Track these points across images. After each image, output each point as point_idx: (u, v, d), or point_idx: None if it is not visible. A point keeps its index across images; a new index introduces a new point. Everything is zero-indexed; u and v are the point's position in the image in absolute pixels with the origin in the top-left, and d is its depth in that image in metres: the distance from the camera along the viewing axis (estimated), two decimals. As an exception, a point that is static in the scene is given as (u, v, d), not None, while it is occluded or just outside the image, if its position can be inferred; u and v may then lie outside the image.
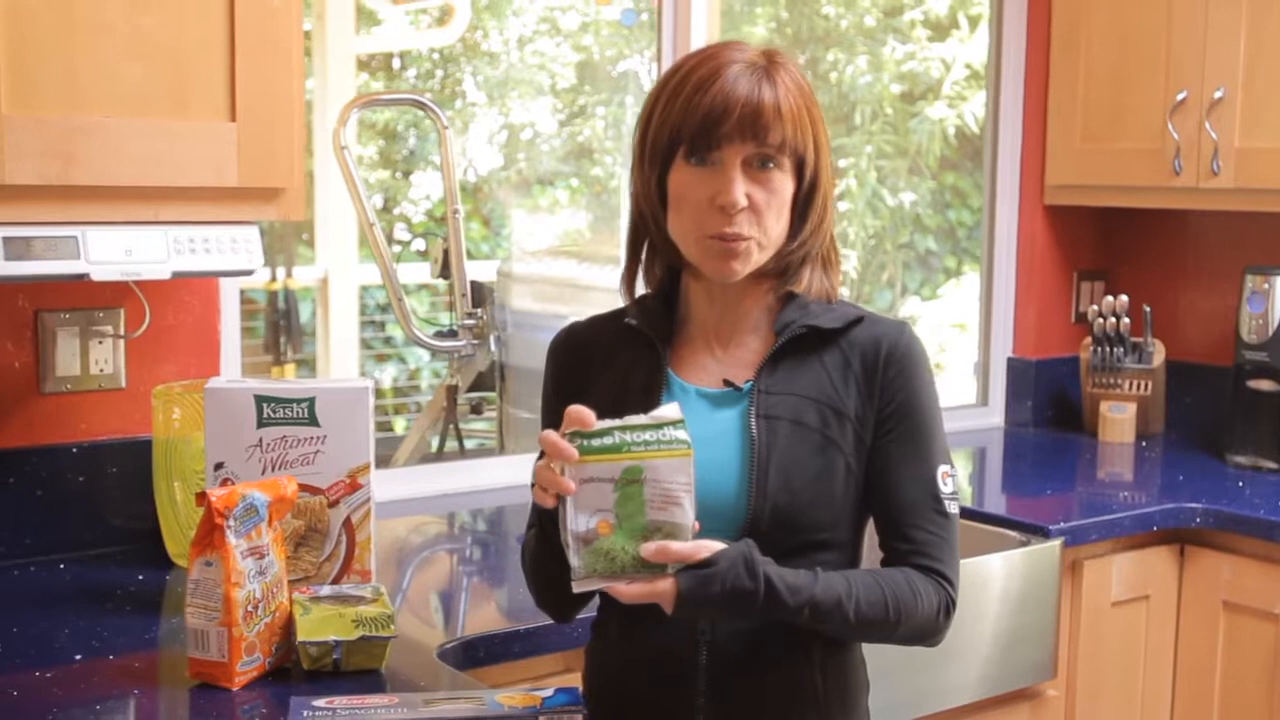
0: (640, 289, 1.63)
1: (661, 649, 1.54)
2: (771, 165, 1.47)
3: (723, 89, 1.45)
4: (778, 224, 1.50)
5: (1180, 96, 3.01)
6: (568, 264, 6.13)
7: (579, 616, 1.64)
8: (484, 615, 2.08)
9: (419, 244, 6.43)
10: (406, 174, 7.29)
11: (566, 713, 1.51)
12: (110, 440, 2.23)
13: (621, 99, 6.23)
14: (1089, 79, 3.23)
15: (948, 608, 1.53)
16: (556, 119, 6.99)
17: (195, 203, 1.94)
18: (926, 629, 1.52)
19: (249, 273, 2.02)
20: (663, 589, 1.39)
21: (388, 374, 7.08)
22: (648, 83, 5.01)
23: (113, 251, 1.89)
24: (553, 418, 1.62)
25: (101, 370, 2.22)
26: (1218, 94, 2.94)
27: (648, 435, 1.38)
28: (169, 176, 1.90)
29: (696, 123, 1.46)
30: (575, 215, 6.61)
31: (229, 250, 1.98)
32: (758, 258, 1.50)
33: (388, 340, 6.85)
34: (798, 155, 1.49)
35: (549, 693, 1.55)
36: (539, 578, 1.60)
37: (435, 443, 3.37)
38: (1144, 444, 3.25)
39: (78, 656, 1.76)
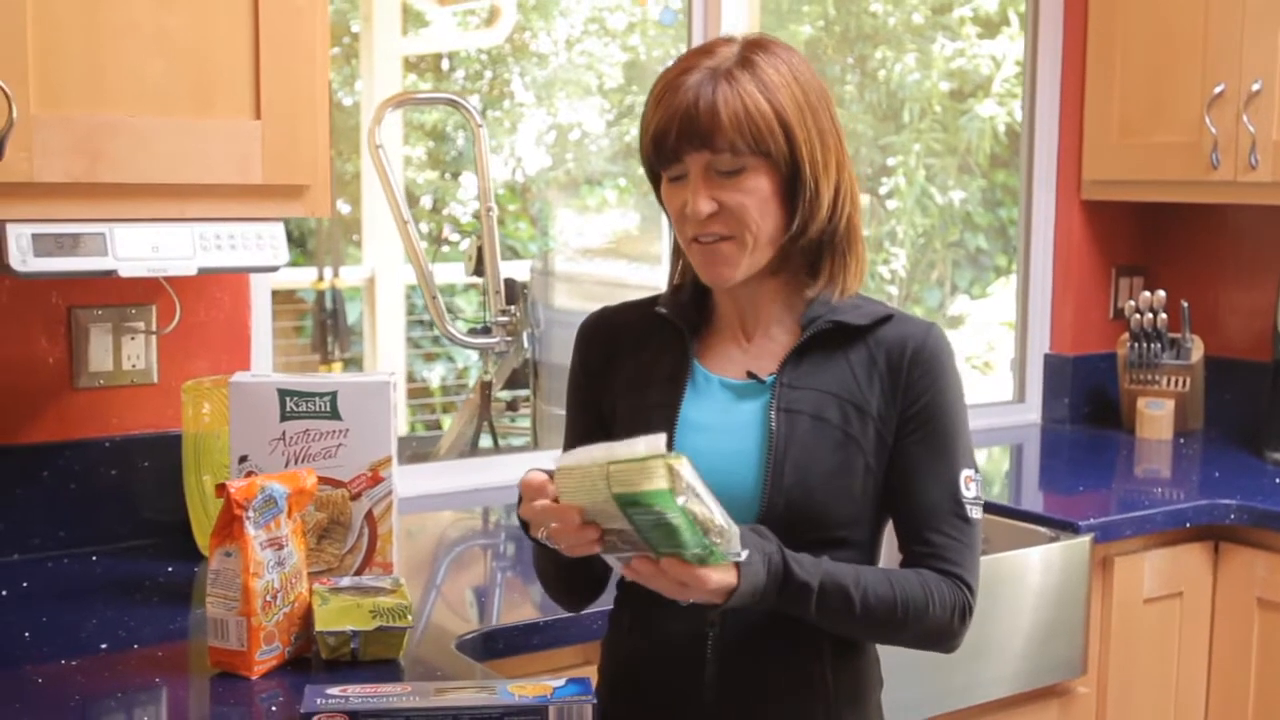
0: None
1: (670, 639, 1.55)
2: (737, 169, 1.47)
3: (671, 102, 1.46)
4: (764, 220, 1.49)
5: (1218, 89, 2.98)
6: (615, 263, 6.15)
7: (590, 609, 1.66)
8: (511, 608, 2.09)
9: (466, 244, 6.47)
10: (455, 175, 7.34)
11: (576, 702, 1.52)
12: (142, 435, 2.27)
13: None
14: (1125, 73, 3.20)
15: (964, 613, 1.51)
16: (604, 119, 7.01)
17: (221, 200, 1.97)
18: (940, 632, 1.51)
19: (274, 269, 2.04)
20: (729, 581, 1.37)
21: (436, 373, 7.14)
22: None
23: (140, 248, 1.92)
24: (580, 399, 1.65)
25: (134, 366, 2.25)
26: (1255, 86, 2.91)
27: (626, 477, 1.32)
28: (194, 174, 1.93)
29: (650, 140, 1.48)
30: (624, 215, 6.63)
31: (254, 247, 2.01)
32: (749, 260, 1.51)
33: (435, 339, 6.90)
34: (763, 152, 1.46)
35: (560, 683, 1.56)
36: (544, 570, 1.62)
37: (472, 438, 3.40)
38: (1182, 441, 3.22)
39: (103, 646, 1.79)
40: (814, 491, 1.50)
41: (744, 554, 1.37)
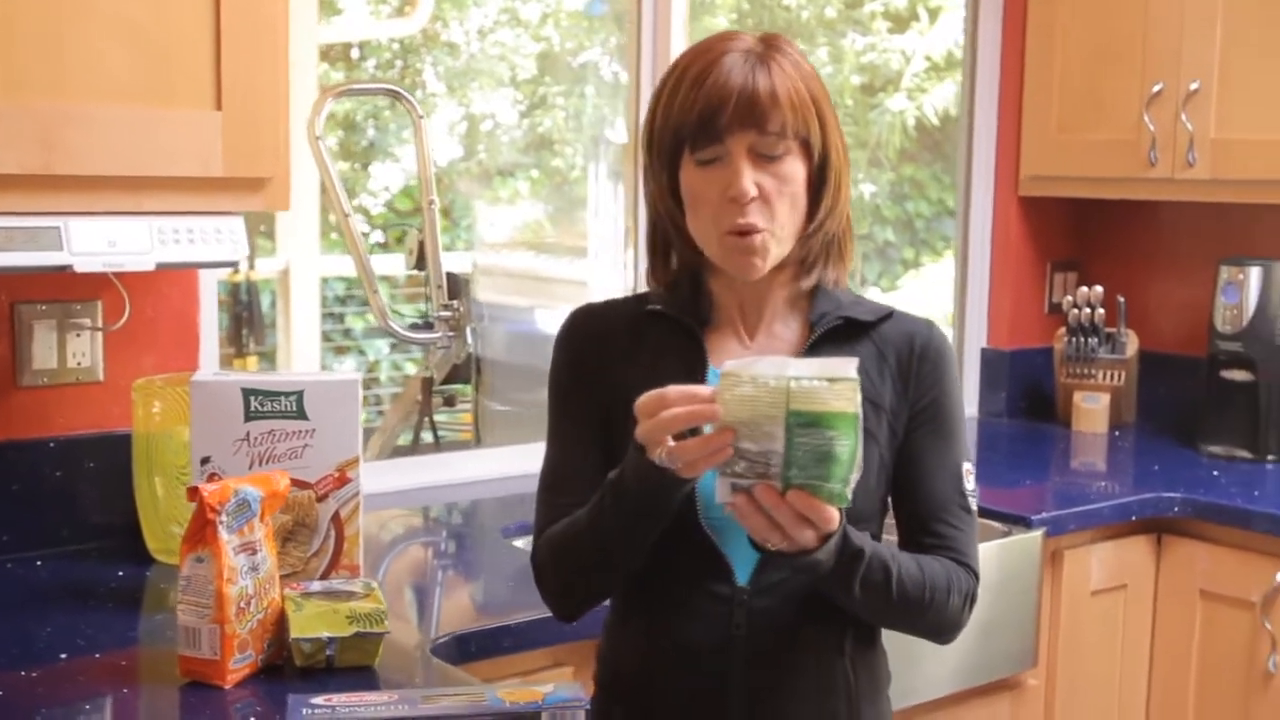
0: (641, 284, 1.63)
1: (695, 645, 1.53)
2: (779, 153, 1.46)
3: (717, 81, 1.45)
4: (793, 213, 1.49)
5: (1156, 88, 3.02)
6: (527, 256, 6.10)
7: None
8: (463, 610, 2.06)
9: (378, 236, 6.38)
10: (365, 165, 7.24)
11: (569, 708, 1.49)
12: (88, 434, 2.19)
13: (582, 90, 6.21)
14: (1064, 70, 3.24)
15: (972, 602, 1.54)
16: (517, 110, 6.96)
17: (179, 193, 1.91)
18: (952, 621, 1.53)
19: (234, 264, 1.99)
20: (835, 518, 1.35)
21: (347, 366, 7.03)
22: (608, 74, 5.00)
23: (96, 242, 1.86)
24: (571, 400, 1.60)
25: (79, 363, 2.18)
26: (1193, 86, 2.95)
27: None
28: (153, 166, 1.87)
29: (695, 119, 1.45)
30: (535, 207, 6.58)
31: (213, 241, 1.95)
32: (776, 251, 1.50)
33: (346, 332, 6.81)
34: (802, 138, 1.47)
35: (549, 688, 1.54)
36: (575, 567, 1.54)
37: (405, 436, 3.35)
38: (1117, 434, 3.27)
39: (63, 655, 1.73)
40: None
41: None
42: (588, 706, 1.50)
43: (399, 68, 7.17)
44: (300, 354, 6.26)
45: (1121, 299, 3.27)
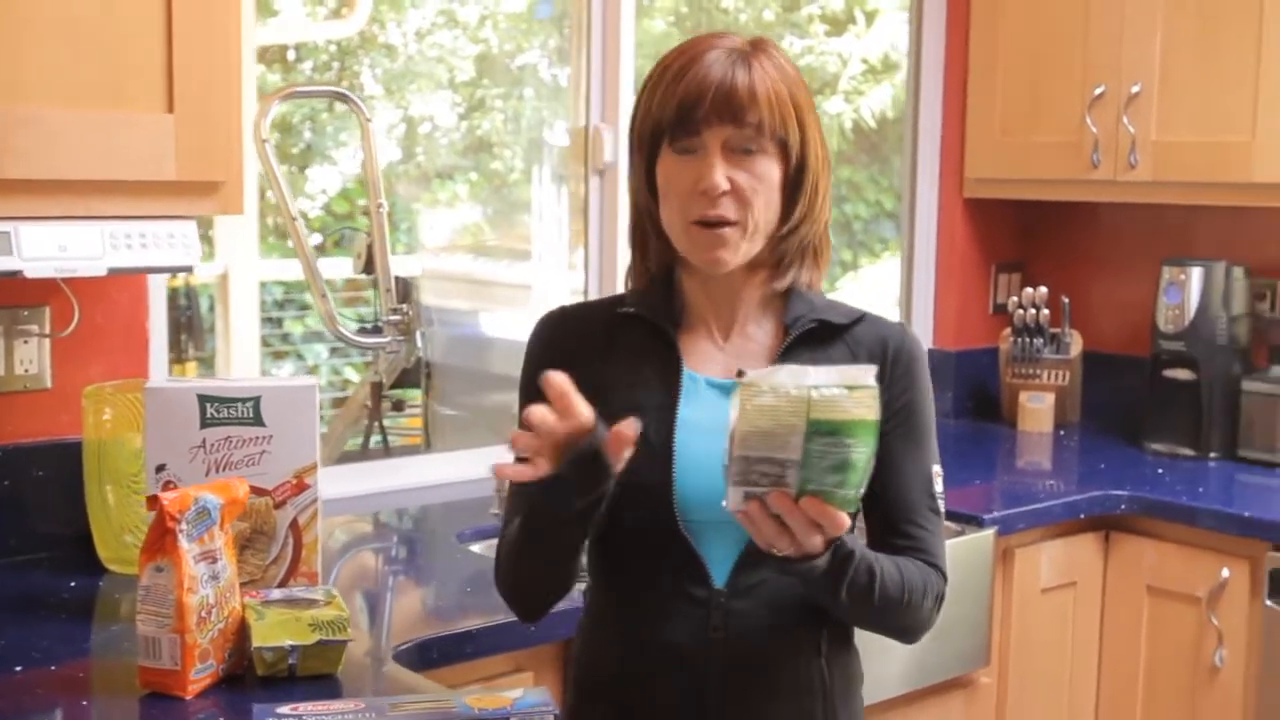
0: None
1: (672, 647, 1.53)
2: (754, 149, 1.47)
3: (697, 75, 1.46)
4: (766, 210, 1.49)
5: (1098, 91, 3.06)
6: (465, 259, 6.07)
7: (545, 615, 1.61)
8: (423, 617, 2.04)
9: (315, 239, 6.31)
10: (302, 169, 7.17)
11: (537, 713, 1.48)
12: (36, 443, 2.16)
13: (520, 92, 6.20)
14: (1007, 73, 3.27)
15: (940, 603, 1.55)
16: (455, 112, 6.92)
17: (132, 197, 1.88)
18: (922, 621, 1.54)
19: (188, 269, 1.97)
20: (844, 522, 1.35)
21: (285, 371, 6.97)
22: (547, 76, 4.99)
23: (46, 247, 1.83)
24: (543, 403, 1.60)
25: (26, 370, 2.14)
26: (1135, 89, 3.00)
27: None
28: (105, 170, 1.84)
29: (673, 110, 1.46)
30: (474, 210, 6.56)
31: (166, 246, 1.92)
32: (746, 247, 1.50)
33: (285, 337, 6.75)
34: (780, 139, 1.48)
35: (518, 694, 1.53)
36: (527, 572, 1.54)
37: (354, 441, 3.33)
38: (1062, 433, 3.31)
39: (18, 667, 1.70)
40: None
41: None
42: (555, 712, 1.49)
43: (336, 70, 7.12)
44: (239, 359, 6.20)
45: (1066, 299, 3.30)
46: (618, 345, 1.58)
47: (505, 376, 4.03)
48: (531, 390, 1.60)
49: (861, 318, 1.58)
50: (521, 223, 5.52)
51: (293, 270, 6.36)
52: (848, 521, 1.34)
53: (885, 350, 1.55)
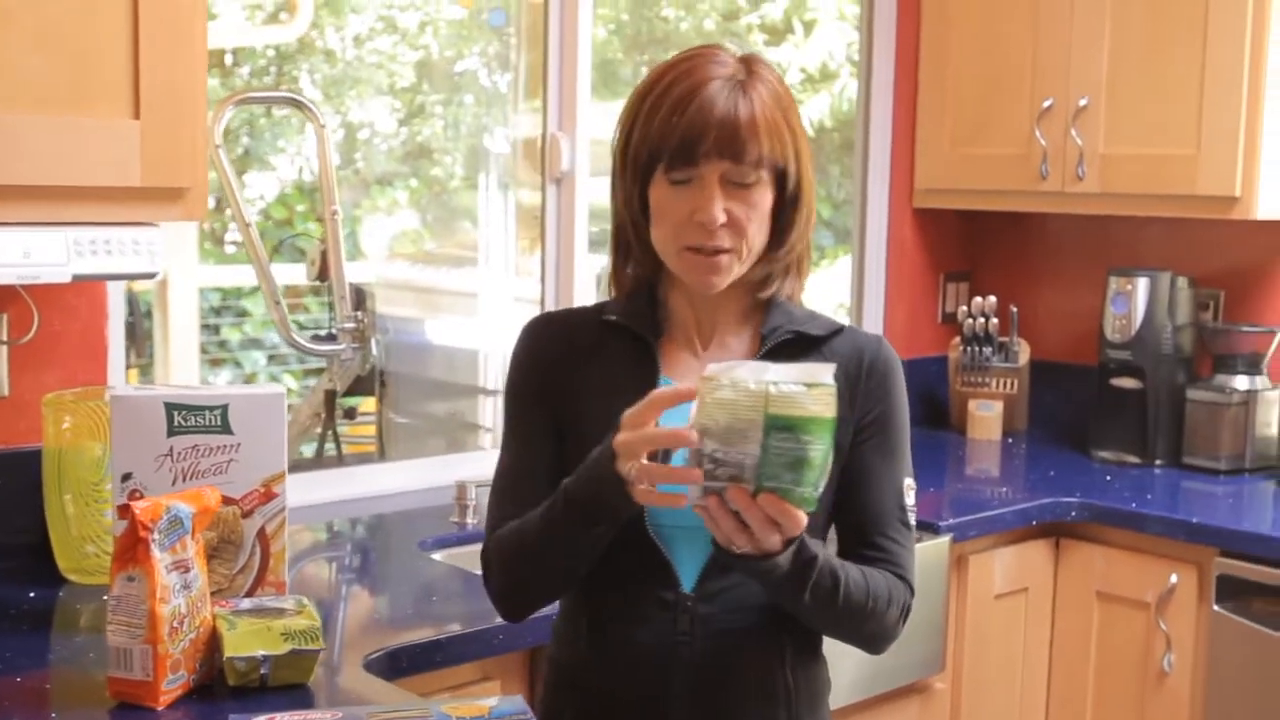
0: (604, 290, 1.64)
1: (639, 650, 1.54)
2: (751, 181, 1.48)
3: (700, 108, 1.46)
4: (759, 235, 1.52)
5: (1047, 104, 3.10)
6: (403, 266, 6.04)
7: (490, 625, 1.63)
8: (390, 626, 2.03)
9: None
10: (240, 174, 7.10)
11: (515, 721, 1.49)
12: (-7, 451, 2.13)
13: (460, 98, 6.18)
14: (957, 87, 3.31)
15: (907, 615, 1.57)
16: (395, 118, 6.89)
17: (97, 203, 1.86)
18: (888, 631, 1.56)
19: (152, 275, 1.95)
20: (802, 521, 1.36)
21: (222, 378, 6.90)
22: (487, 82, 4.98)
23: (10, 253, 1.80)
24: (529, 398, 1.61)
25: (-17, 378, 2.12)
26: (1083, 102, 3.04)
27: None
28: (70, 175, 1.82)
29: (675, 143, 1.47)
30: (413, 216, 6.53)
31: (131, 252, 1.90)
32: (738, 270, 1.52)
33: (222, 344, 6.69)
34: (776, 168, 1.50)
35: (493, 702, 1.53)
36: (546, 570, 1.53)
37: (306, 449, 3.30)
38: (1010, 440, 3.35)
39: (-18, 679, 1.68)
40: None
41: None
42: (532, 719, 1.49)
43: (274, 75, 7.06)
44: (178, 366, 6.14)
45: (1014, 309, 3.35)
46: (599, 352, 1.59)
47: (455, 384, 4.02)
48: (517, 394, 1.62)
49: (840, 330, 1.60)
50: (462, 229, 5.50)
51: (231, 277, 6.30)
52: (804, 520, 1.35)
53: (861, 362, 1.57)
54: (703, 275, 1.51)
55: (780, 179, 1.51)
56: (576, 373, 1.58)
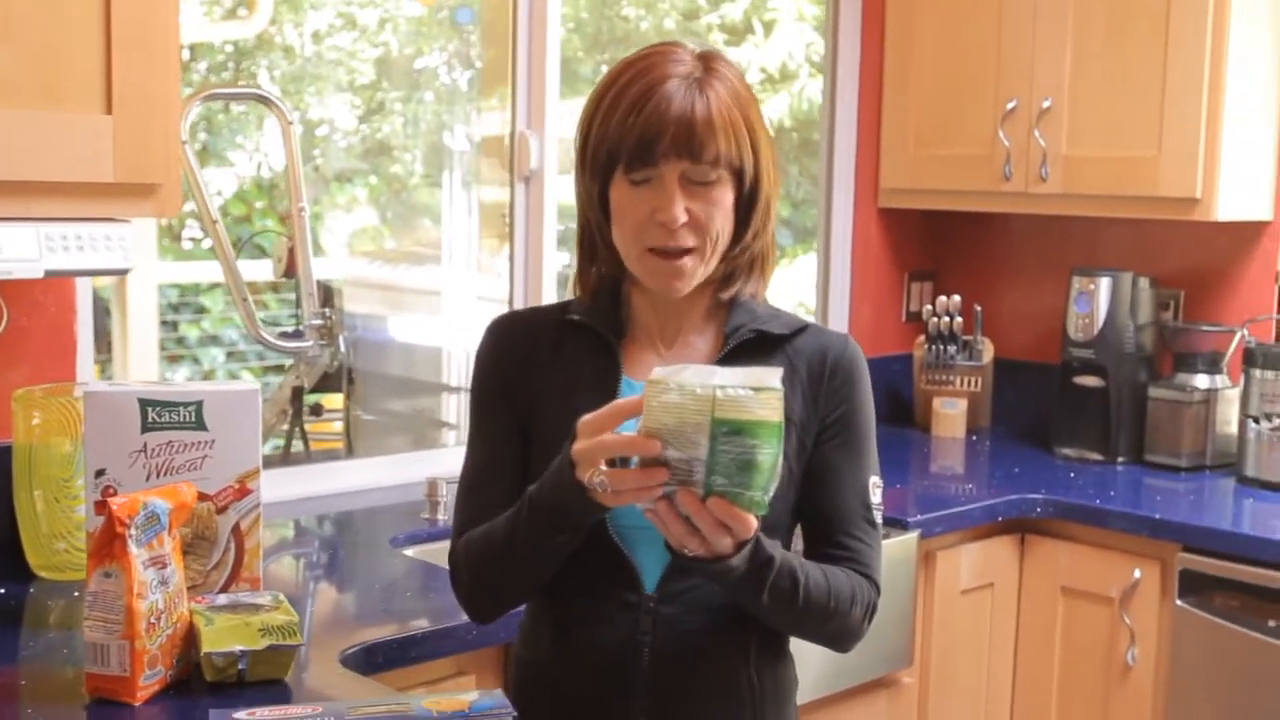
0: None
1: (602, 650, 1.55)
2: (711, 179, 1.48)
3: (657, 108, 1.46)
4: (723, 234, 1.51)
5: (1010, 105, 3.13)
6: (362, 263, 6.02)
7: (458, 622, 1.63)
8: (364, 622, 2.03)
9: (209, 242, 6.22)
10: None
11: (495, 715, 1.49)
12: (-39, 448, 2.11)
13: (420, 96, 6.17)
14: (921, 88, 3.34)
15: (872, 613, 1.57)
16: (354, 115, 6.86)
17: (69, 199, 1.85)
18: (852, 630, 1.56)
19: (124, 272, 1.94)
20: (751, 525, 1.36)
21: (180, 375, 6.86)
22: (446, 79, 4.98)
23: (-18, 249, 1.80)
24: (493, 399, 1.61)
25: (-49, 374, 2.10)
26: (1045, 104, 3.08)
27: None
28: (42, 171, 1.81)
29: (633, 142, 1.46)
30: (373, 214, 6.51)
31: (103, 248, 1.90)
32: (701, 272, 1.52)
33: (180, 340, 6.65)
34: (735, 166, 1.50)
35: (473, 697, 1.53)
36: (514, 575, 1.54)
37: (268, 447, 3.28)
38: (974, 438, 3.38)
39: (-45, 676, 1.67)
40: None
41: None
42: (514, 714, 1.50)
43: (232, 70, 7.02)
44: (137, 363, 6.10)
45: (978, 308, 3.38)
46: (561, 352, 1.59)
47: (419, 381, 4.01)
48: (482, 392, 1.62)
49: (804, 328, 1.59)
50: (422, 227, 5.48)
51: (189, 273, 6.26)
52: (754, 523, 1.35)
53: (824, 362, 1.57)
54: (666, 280, 1.51)
55: (739, 175, 1.50)
56: (538, 372, 1.59)
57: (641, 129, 1.46)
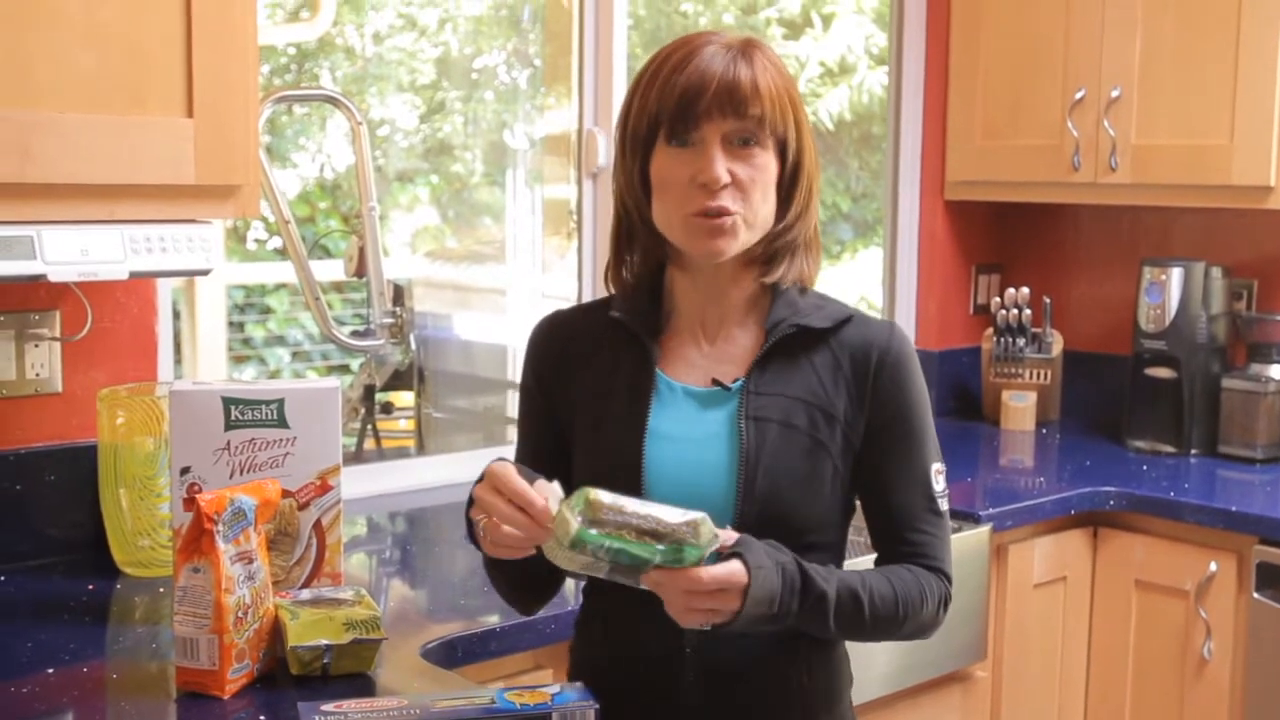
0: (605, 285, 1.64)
1: (649, 648, 1.55)
2: (753, 142, 1.47)
3: (698, 67, 1.45)
4: (764, 204, 1.49)
5: (1079, 94, 3.11)
6: (422, 262, 6.06)
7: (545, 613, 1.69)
8: (444, 616, 2.05)
9: (276, 242, 6.30)
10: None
11: (579, 708, 1.50)
12: (48, 446, 2.15)
13: (480, 95, 6.21)
14: (988, 77, 3.32)
15: (946, 605, 1.57)
16: (416, 115, 6.91)
17: (152, 201, 1.88)
18: (927, 625, 1.56)
19: (206, 272, 1.97)
20: (739, 574, 1.37)
21: (247, 375, 6.94)
22: (506, 79, 5.00)
23: (69, 251, 1.83)
24: (533, 410, 1.64)
25: (38, 374, 2.14)
26: (1115, 92, 3.05)
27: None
28: (125, 174, 1.84)
29: (674, 103, 1.45)
30: (434, 213, 6.55)
31: (185, 249, 1.93)
32: (745, 236, 1.49)
33: (246, 341, 6.73)
34: (779, 135, 1.48)
35: (556, 689, 1.55)
36: (505, 577, 1.61)
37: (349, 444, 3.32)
38: (1044, 431, 3.36)
39: (49, 670, 1.70)
40: (786, 499, 1.50)
41: (726, 531, 1.39)
42: (596, 706, 1.51)
43: (295, 72, 7.09)
44: (205, 363, 6.18)
45: (1047, 299, 3.36)
46: (601, 350, 1.59)
47: (486, 379, 4.04)
48: (526, 390, 1.65)
49: (848, 319, 1.56)
50: (482, 225, 5.52)
51: (255, 274, 6.33)
52: (704, 574, 1.35)
53: (869, 356, 1.53)
54: (709, 240, 1.47)
55: (782, 149, 1.49)
56: (579, 370, 1.59)
57: (683, 88, 1.44)
